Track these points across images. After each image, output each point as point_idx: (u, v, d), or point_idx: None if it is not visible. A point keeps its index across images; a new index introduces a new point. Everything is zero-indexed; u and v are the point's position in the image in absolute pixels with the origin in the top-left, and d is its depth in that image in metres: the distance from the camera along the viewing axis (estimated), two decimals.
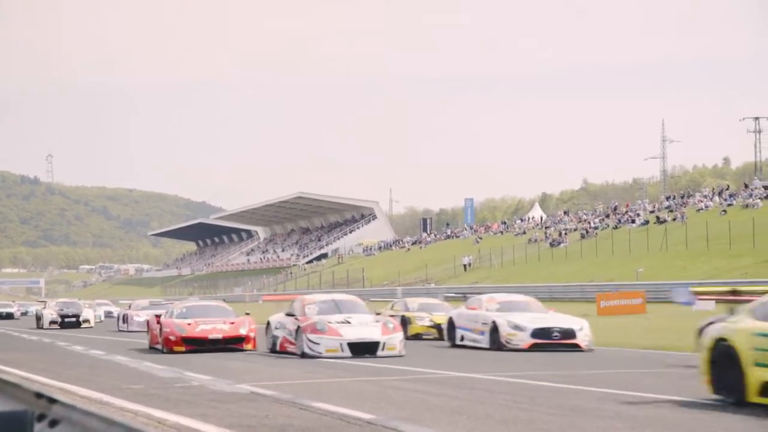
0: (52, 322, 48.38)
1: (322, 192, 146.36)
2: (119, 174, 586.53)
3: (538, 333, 24.46)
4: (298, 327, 23.38)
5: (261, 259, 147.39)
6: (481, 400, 13.87)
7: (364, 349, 22.66)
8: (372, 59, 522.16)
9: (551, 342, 24.43)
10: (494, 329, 24.98)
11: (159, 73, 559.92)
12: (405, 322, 31.39)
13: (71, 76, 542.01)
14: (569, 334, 24.54)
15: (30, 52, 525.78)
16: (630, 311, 46.06)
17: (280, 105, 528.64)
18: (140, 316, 43.21)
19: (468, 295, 33.35)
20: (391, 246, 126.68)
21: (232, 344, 25.98)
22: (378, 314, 26.90)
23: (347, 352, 22.48)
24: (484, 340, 25.38)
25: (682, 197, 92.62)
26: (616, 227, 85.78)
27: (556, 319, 25.40)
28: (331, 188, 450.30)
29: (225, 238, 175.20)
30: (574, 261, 77.70)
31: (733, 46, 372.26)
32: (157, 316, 27.96)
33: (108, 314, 66.09)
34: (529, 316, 25.28)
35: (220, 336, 26.04)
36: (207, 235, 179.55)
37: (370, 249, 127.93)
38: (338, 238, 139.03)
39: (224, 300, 55.38)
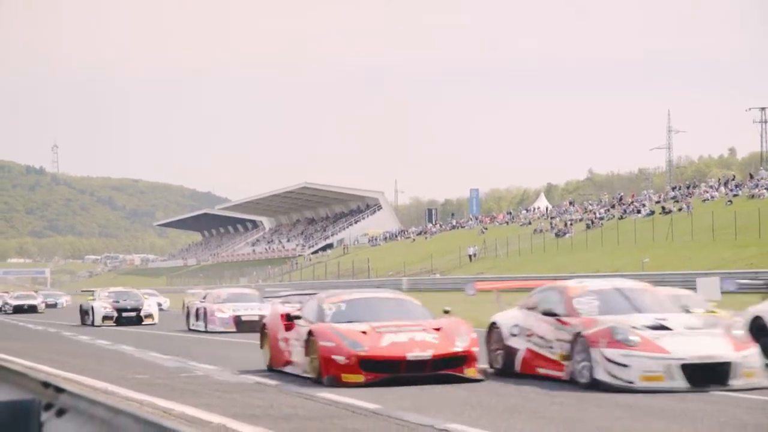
0: (106, 318, 38.71)
1: (327, 182, 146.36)
2: (125, 164, 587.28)
3: None
4: (577, 335, 14.31)
5: (266, 249, 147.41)
6: (485, 390, 13.90)
7: (708, 376, 13.64)
8: (378, 51, 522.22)
9: None
10: None
11: (164, 64, 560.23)
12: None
13: (77, 66, 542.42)
14: None
15: (35, 43, 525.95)
16: None
17: (286, 96, 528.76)
18: (224, 312, 32.81)
19: None
20: (396, 236, 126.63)
21: (445, 368, 14.88)
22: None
23: (680, 381, 13.51)
24: None
25: (688, 187, 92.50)
26: (621, 217, 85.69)
27: None
28: (337, 178, 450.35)
29: (230, 228, 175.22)
30: (580, 251, 77.65)
31: (739, 36, 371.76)
32: (285, 315, 17.15)
33: (159, 307, 48.61)
34: None
35: (427, 355, 14.82)
36: (212, 225, 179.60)
37: (376, 239, 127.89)
38: (343, 229, 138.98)
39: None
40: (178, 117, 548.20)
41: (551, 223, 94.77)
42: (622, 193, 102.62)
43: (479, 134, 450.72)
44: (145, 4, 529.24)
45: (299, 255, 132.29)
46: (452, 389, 13.89)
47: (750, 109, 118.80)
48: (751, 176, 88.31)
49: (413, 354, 14.73)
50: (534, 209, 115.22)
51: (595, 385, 13.61)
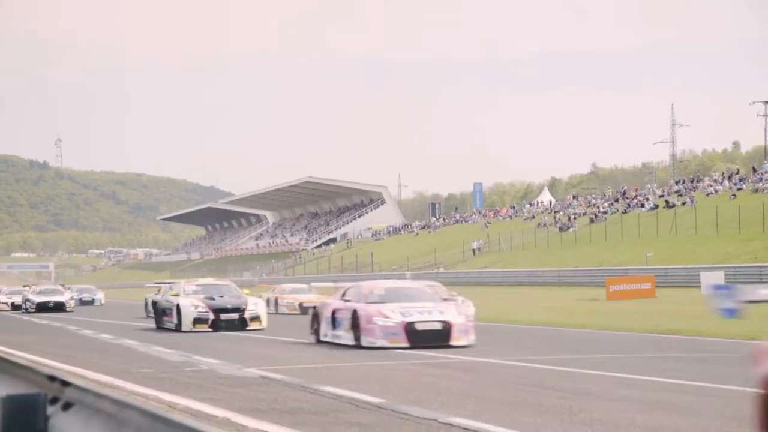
0: (200, 321, 28.72)
1: (330, 176, 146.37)
2: (128, 159, 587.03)
3: None
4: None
5: (270, 243, 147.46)
6: (488, 383, 13.92)
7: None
8: (381, 45, 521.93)
9: None
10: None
11: (168, 58, 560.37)
12: None
13: (80, 60, 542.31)
14: None
15: (38, 37, 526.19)
16: (639, 295, 46.00)
17: (290, 91, 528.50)
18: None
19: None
20: (399, 230, 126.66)
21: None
22: None
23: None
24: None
25: (692, 181, 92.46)
26: (625, 212, 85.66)
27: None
28: (340, 172, 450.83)
29: (234, 222, 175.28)
30: (583, 245, 77.67)
31: (743, 30, 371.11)
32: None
33: None
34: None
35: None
36: (216, 219, 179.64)
37: (379, 233, 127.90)
38: (347, 223, 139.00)
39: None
40: (181, 111, 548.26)
41: (555, 218, 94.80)
42: (625, 187, 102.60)
43: (483, 128, 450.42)
44: None
45: (303, 249, 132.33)
46: (456, 382, 13.91)
47: (754, 102, 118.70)
48: (755, 170, 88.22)
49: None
50: (538, 203, 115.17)
51: None
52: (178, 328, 28.63)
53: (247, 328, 28.44)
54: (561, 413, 10.77)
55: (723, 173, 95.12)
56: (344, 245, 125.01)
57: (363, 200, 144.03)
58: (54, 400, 4.14)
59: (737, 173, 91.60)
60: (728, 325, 25.32)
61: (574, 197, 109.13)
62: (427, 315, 20.64)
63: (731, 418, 10.36)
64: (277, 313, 40.90)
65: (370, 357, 18.50)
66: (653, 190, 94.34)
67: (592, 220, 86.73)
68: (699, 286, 43.60)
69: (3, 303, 54.65)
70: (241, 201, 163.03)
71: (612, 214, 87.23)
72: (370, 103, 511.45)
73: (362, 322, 20.67)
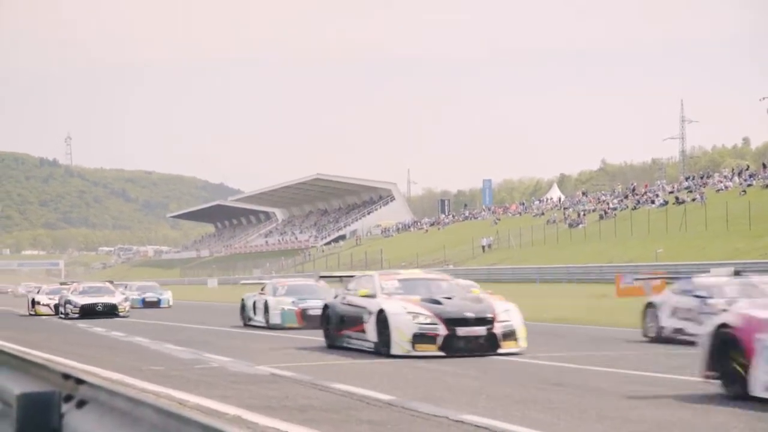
0: (423, 340, 18.22)
1: (339, 174, 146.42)
2: (138, 156, 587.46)
3: None
4: None
5: (279, 240, 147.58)
6: (499, 380, 13.93)
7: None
8: (390, 41, 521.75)
9: None
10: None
11: (177, 54, 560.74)
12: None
13: (90, 58, 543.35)
14: None
15: (48, 34, 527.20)
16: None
17: (299, 88, 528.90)
18: None
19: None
20: (409, 227, 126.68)
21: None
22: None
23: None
24: None
25: (702, 178, 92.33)
26: (635, 208, 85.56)
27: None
28: (349, 169, 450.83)
29: (243, 219, 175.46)
30: (593, 242, 77.59)
31: (753, 26, 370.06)
32: None
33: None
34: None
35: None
36: (225, 216, 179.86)
37: (389, 230, 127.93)
38: (356, 220, 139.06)
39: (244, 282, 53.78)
40: (191, 109, 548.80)
41: (564, 214, 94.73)
42: (635, 184, 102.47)
43: (492, 125, 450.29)
44: None
45: (312, 246, 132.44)
46: (466, 379, 13.92)
47: (764, 98, 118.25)
48: (765, 166, 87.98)
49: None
50: (547, 200, 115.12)
51: None
52: (379, 349, 18.30)
53: (499, 350, 18.05)
54: (571, 410, 10.78)
55: (733, 169, 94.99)
56: (353, 242, 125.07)
57: (372, 197, 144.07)
58: (68, 398, 4.16)
59: (747, 169, 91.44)
60: None
61: (583, 194, 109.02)
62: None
63: (740, 414, 10.36)
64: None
65: (378, 354, 18.48)
66: (663, 187, 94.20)
67: (601, 217, 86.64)
68: None
69: (44, 305, 44.04)
70: (250, 198, 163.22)
71: (621, 210, 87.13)
72: (380, 100, 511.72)
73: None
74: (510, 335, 18.20)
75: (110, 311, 38.99)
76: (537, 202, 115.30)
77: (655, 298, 23.26)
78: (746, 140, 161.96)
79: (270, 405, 11.42)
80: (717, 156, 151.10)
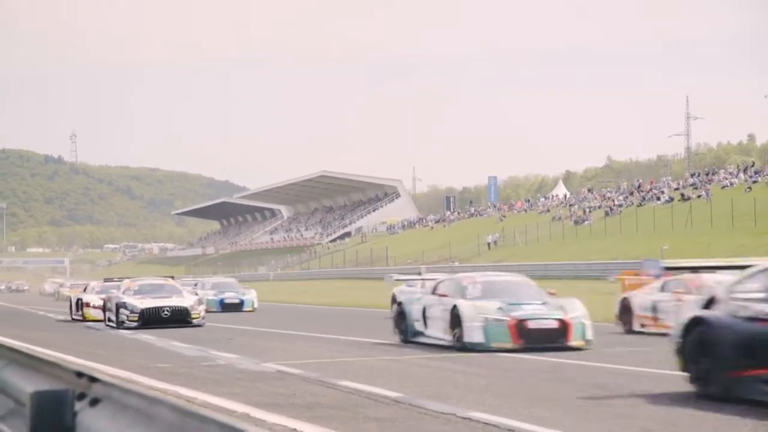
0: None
1: (345, 170, 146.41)
2: (143, 154, 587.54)
3: None
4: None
5: (284, 238, 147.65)
6: (506, 377, 13.94)
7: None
8: (394, 37, 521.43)
9: None
10: None
11: (182, 53, 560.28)
12: None
13: (95, 56, 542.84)
14: None
15: (52, 31, 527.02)
16: None
17: (304, 84, 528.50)
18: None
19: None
20: (414, 224, 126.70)
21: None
22: None
23: None
24: None
25: (707, 174, 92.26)
26: (640, 205, 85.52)
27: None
28: (354, 166, 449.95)
29: (248, 217, 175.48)
30: (599, 239, 77.56)
31: (759, 22, 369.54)
32: None
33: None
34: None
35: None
36: (230, 214, 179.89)
37: (394, 227, 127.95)
38: (361, 217, 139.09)
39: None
40: (196, 106, 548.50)
41: (570, 211, 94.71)
42: (640, 180, 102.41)
43: (497, 122, 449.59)
44: None
45: (317, 243, 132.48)
46: (474, 377, 13.94)
47: None
48: None
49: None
50: (552, 197, 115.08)
51: None
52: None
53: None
54: (578, 407, 10.79)
55: (738, 166, 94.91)
56: (359, 239, 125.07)
57: (377, 194, 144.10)
58: (81, 396, 4.18)
59: (752, 166, 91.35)
60: None
61: (589, 190, 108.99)
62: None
63: (749, 411, 10.36)
64: None
65: (386, 352, 18.52)
66: (668, 183, 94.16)
67: (607, 213, 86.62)
68: None
69: (95, 307, 34.29)
70: (255, 195, 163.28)
71: (627, 207, 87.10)
72: (385, 97, 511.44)
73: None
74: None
75: (180, 317, 28.97)
76: (542, 199, 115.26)
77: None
78: (751, 137, 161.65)
79: (277, 402, 11.44)
80: (722, 153, 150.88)
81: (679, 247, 63.25)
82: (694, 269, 22.97)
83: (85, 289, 37.90)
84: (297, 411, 10.71)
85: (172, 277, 34.85)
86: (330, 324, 29.82)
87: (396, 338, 21.04)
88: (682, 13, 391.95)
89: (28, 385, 4.78)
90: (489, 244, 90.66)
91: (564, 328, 18.51)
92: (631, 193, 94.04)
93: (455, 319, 18.73)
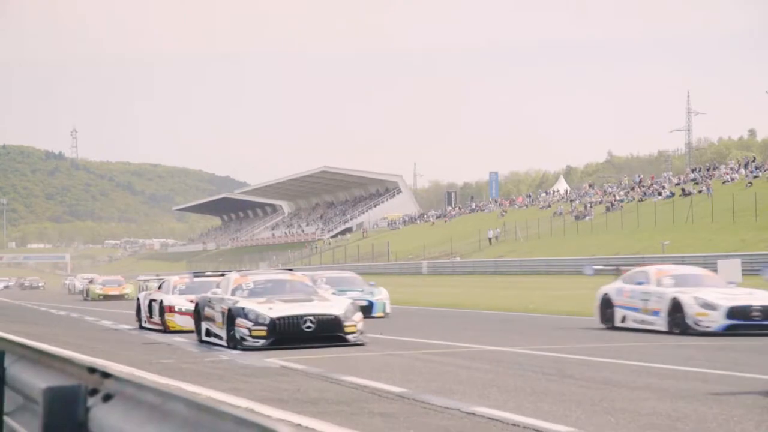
0: None
1: (346, 166, 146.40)
2: (144, 149, 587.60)
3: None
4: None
5: (286, 233, 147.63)
6: (510, 372, 13.95)
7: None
8: (396, 33, 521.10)
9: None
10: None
11: (182, 47, 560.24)
12: None
13: (95, 51, 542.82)
14: None
15: (53, 26, 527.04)
16: None
17: (305, 80, 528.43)
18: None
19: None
20: (415, 220, 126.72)
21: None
22: None
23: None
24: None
25: (708, 169, 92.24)
26: (641, 200, 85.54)
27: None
28: (356, 162, 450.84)
29: (249, 212, 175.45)
30: (600, 234, 77.57)
31: (760, 17, 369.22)
32: None
33: None
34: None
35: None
36: (231, 209, 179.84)
37: (395, 223, 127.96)
38: (363, 212, 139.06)
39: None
40: (197, 101, 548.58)
41: (571, 206, 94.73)
42: (641, 176, 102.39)
43: (498, 117, 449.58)
44: None
45: (318, 239, 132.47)
46: (478, 372, 13.94)
47: None
48: None
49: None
50: (553, 192, 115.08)
51: None
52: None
53: None
54: (583, 402, 10.80)
55: (739, 161, 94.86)
56: (360, 235, 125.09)
57: (379, 190, 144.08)
58: (93, 392, 4.19)
59: (753, 161, 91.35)
60: None
61: (590, 186, 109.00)
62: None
63: (753, 406, 10.37)
64: None
65: (390, 347, 18.53)
66: (669, 179, 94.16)
67: (608, 209, 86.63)
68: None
69: (183, 313, 24.81)
70: (256, 191, 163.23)
71: (628, 202, 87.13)
72: (386, 93, 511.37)
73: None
74: None
75: (329, 331, 19.08)
76: (543, 195, 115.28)
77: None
78: (752, 132, 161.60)
79: (282, 398, 11.45)
80: (723, 148, 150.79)
81: (681, 243, 63.29)
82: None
83: (160, 287, 28.03)
84: (301, 406, 10.72)
85: (290, 270, 24.71)
86: None
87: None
88: (683, 9, 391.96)
89: (39, 380, 4.80)
90: (490, 239, 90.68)
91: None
92: (632, 189, 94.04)
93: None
